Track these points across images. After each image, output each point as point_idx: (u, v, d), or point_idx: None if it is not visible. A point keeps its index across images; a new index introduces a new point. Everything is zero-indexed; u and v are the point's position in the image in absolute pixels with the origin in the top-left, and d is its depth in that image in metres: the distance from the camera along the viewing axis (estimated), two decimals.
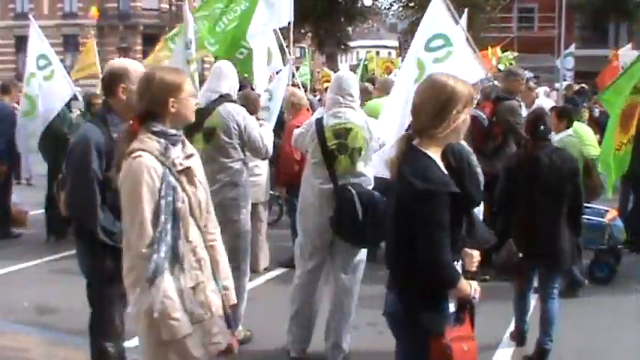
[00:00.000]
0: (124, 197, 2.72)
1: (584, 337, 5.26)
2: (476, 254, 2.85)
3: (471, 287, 2.69)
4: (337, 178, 4.53)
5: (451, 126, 2.68)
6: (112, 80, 3.62)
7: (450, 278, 2.64)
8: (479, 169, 4.17)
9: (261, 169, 6.70)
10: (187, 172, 2.83)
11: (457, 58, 5.84)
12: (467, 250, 2.83)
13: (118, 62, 3.87)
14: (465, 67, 5.87)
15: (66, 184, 3.70)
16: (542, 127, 4.85)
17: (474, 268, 2.83)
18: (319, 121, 4.63)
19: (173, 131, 2.82)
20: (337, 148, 4.55)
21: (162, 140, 2.76)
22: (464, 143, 4.14)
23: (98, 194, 3.48)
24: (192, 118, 2.95)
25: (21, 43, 35.90)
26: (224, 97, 4.82)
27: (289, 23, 8.67)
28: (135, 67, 3.65)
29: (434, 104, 2.67)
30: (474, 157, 4.15)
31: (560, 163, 4.73)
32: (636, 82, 6.52)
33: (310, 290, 4.74)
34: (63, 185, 3.77)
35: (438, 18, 6.01)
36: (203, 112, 4.65)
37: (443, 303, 2.66)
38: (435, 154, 2.71)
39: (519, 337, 5.08)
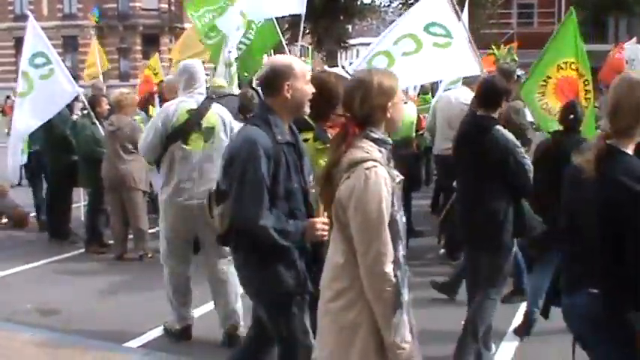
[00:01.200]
0: (360, 211, 2.50)
1: None
2: None
3: None
4: None
5: None
6: (277, 77, 3.21)
7: None
8: (527, 160, 4.21)
9: None
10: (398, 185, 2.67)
11: (456, 50, 5.95)
12: None
13: (281, 58, 3.58)
14: (462, 60, 5.96)
15: (225, 195, 3.23)
16: (571, 117, 4.93)
17: None
18: None
19: (389, 140, 2.68)
20: None
21: (382, 150, 2.62)
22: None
23: (267, 201, 3.10)
24: (401, 125, 2.85)
25: (20, 44, 35.61)
26: (210, 98, 4.85)
27: (299, 19, 8.65)
28: (300, 64, 3.28)
29: (638, 104, 2.68)
30: (520, 149, 4.19)
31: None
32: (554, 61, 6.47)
33: None
34: (220, 198, 3.27)
35: (440, 10, 6.12)
36: (199, 112, 4.74)
37: None
38: (631, 152, 2.73)
39: (527, 326, 5.02)
